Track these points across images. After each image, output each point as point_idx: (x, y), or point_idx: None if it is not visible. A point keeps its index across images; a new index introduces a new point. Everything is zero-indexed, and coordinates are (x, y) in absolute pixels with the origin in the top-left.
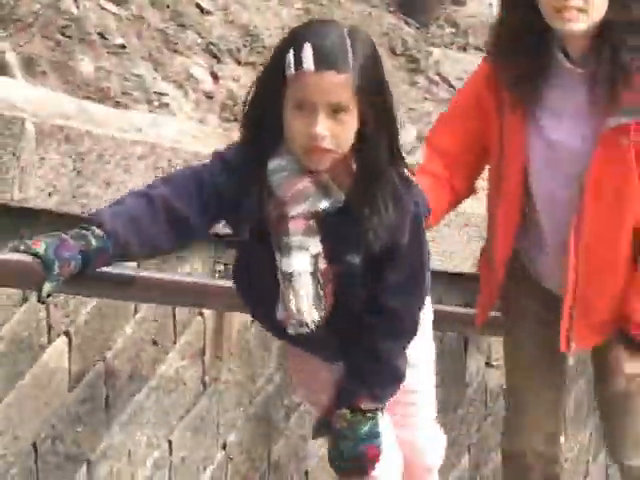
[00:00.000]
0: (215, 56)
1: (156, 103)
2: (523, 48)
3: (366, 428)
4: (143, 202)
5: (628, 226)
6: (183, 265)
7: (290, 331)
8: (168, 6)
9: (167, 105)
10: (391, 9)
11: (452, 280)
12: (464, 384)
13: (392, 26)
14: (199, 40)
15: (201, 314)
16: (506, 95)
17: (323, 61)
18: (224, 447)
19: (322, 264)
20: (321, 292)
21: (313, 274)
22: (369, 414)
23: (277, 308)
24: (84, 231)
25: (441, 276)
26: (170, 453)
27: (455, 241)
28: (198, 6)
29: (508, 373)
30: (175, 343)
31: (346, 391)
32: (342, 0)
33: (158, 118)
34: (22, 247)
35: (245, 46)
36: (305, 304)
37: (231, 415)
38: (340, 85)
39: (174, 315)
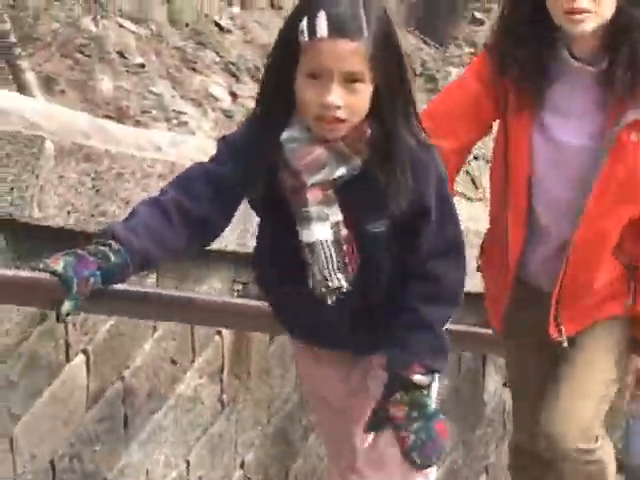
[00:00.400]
0: (234, 75)
1: (175, 122)
2: (528, 45)
3: (430, 404)
4: (155, 209)
5: (623, 221)
6: (202, 284)
7: (328, 301)
8: (187, 25)
9: (186, 124)
10: (409, 29)
11: (470, 300)
12: (482, 404)
13: (411, 46)
14: (218, 59)
15: (219, 333)
16: (510, 97)
17: (337, 28)
18: (242, 466)
19: (343, 231)
20: (346, 259)
21: (335, 242)
22: (424, 390)
23: (307, 281)
24: (101, 247)
25: None
26: (188, 472)
27: (472, 261)
28: (217, 25)
29: (514, 392)
30: (193, 362)
31: (395, 364)
32: None
33: (177, 137)
34: (41, 265)
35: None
36: (329, 271)
37: (249, 434)
38: (353, 53)
39: (192, 334)
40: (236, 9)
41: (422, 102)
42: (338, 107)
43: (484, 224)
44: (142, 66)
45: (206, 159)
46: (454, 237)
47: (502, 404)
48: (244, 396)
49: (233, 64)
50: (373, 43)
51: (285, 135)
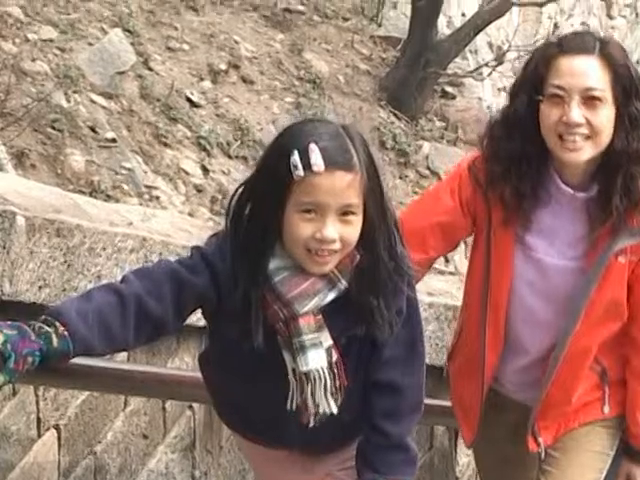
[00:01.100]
0: (205, 149)
1: (147, 196)
2: (521, 168)
3: None
4: (114, 300)
5: (605, 337)
6: (173, 359)
7: (310, 424)
8: (159, 100)
9: (157, 198)
10: (382, 103)
11: (442, 374)
12: (454, 478)
13: (383, 120)
14: (189, 134)
15: (191, 407)
16: (495, 212)
17: (332, 161)
18: None
19: (335, 356)
20: (337, 382)
21: (329, 368)
22: None
23: (288, 404)
24: (47, 327)
25: (432, 370)
26: None
27: (445, 335)
28: (188, 100)
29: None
30: (165, 437)
31: None
32: (333, 95)
33: (149, 211)
34: None
35: (235, 140)
36: (324, 398)
37: None
38: (350, 185)
39: (164, 409)
40: (207, 84)
41: (393, 175)
42: (334, 241)
43: (454, 297)
44: (113, 141)
45: (177, 234)
46: (415, 347)
47: (474, 478)
48: (216, 471)
49: (204, 138)
50: (365, 173)
51: (272, 266)
